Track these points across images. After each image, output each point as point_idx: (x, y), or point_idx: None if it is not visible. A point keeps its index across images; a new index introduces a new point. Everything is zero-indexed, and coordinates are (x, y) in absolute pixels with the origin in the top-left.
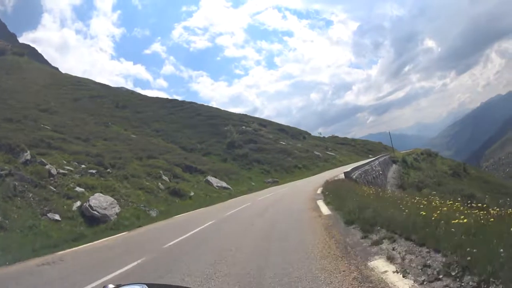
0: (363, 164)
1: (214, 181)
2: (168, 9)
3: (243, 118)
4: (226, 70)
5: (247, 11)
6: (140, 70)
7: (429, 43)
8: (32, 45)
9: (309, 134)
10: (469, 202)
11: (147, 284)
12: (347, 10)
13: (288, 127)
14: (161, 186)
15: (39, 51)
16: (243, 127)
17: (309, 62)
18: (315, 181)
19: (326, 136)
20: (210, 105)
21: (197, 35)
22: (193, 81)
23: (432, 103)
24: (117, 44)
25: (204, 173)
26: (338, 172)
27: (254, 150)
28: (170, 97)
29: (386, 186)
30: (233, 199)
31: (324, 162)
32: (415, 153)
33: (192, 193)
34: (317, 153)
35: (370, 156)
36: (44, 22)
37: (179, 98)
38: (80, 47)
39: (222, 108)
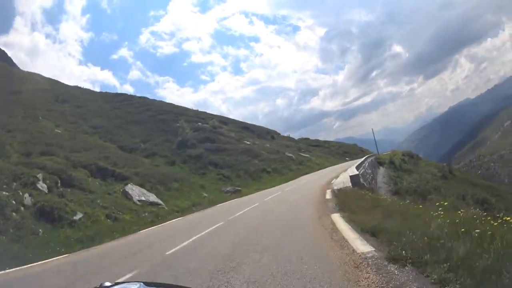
0: (357, 165)
1: (137, 192)
2: (136, 14)
3: (200, 115)
4: (192, 76)
5: (214, 16)
6: (107, 76)
7: (397, 48)
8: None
9: (278, 134)
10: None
11: (144, 283)
12: (315, 15)
13: (254, 125)
14: (27, 200)
15: (9, 55)
16: (199, 123)
17: (275, 68)
18: (302, 189)
19: (296, 138)
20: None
21: (164, 40)
22: (159, 86)
23: (399, 108)
24: (85, 49)
25: (127, 180)
26: (324, 178)
27: (211, 151)
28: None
29: (379, 191)
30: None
31: (299, 165)
32: (397, 155)
33: (78, 216)
34: (289, 154)
35: (347, 158)
36: (16, 26)
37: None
38: (50, 51)
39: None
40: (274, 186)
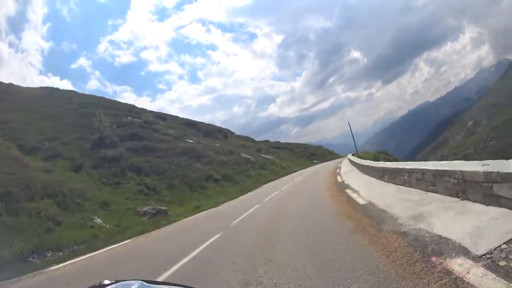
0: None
1: None
2: (95, 22)
3: (132, 109)
4: (150, 85)
5: (171, 24)
6: (66, 85)
7: (355, 54)
8: None
9: (233, 134)
10: None
11: (144, 281)
12: (272, 23)
13: (202, 123)
14: None
15: None
16: (129, 118)
17: (232, 76)
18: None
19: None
20: None
21: (122, 49)
22: (117, 96)
23: (358, 112)
24: (45, 58)
25: None
26: (308, 187)
27: (134, 151)
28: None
29: None
30: None
31: (260, 170)
32: (373, 155)
33: None
34: (246, 155)
35: (315, 161)
36: None
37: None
38: (12, 60)
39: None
40: (222, 202)
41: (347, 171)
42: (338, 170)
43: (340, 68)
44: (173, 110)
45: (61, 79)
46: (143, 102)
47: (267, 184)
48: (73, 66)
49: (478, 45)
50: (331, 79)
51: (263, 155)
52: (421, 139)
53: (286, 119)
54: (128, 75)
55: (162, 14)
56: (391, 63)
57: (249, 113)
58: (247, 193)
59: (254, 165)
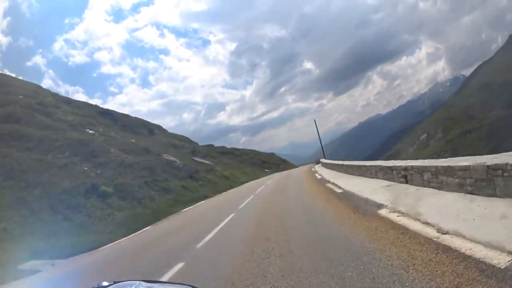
0: None
1: None
2: (52, 19)
3: (38, 90)
4: (102, 87)
5: (126, 26)
6: None
7: (308, 65)
8: None
9: (165, 131)
10: None
11: (143, 281)
12: (226, 30)
13: (122, 114)
14: None
15: None
16: (21, 96)
17: (183, 81)
18: None
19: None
20: None
21: (76, 49)
22: (69, 96)
23: (307, 123)
24: (3, 54)
25: None
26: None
27: None
28: None
29: None
30: None
31: (188, 180)
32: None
33: None
34: (170, 157)
35: (267, 170)
36: None
37: None
38: None
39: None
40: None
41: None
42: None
43: (292, 78)
44: None
45: (16, 76)
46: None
47: (192, 208)
48: (29, 63)
49: (434, 60)
50: (282, 89)
51: (198, 159)
52: (372, 151)
53: (235, 127)
54: (81, 76)
55: (118, 15)
56: (344, 75)
57: (199, 120)
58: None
59: (179, 172)
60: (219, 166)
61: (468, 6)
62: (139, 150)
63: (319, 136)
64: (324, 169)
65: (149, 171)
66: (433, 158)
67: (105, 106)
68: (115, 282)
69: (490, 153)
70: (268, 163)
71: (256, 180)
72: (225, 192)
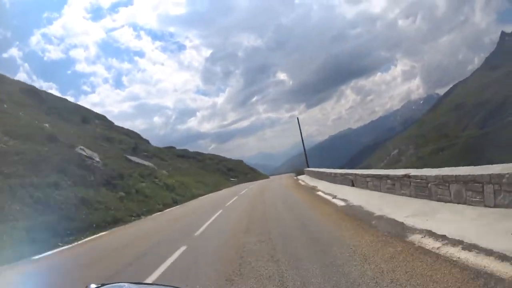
0: None
1: None
2: (32, 12)
3: None
4: (75, 85)
5: (104, 25)
6: None
7: (282, 76)
8: None
9: (110, 123)
10: None
11: (132, 283)
12: (202, 36)
13: (62, 98)
14: None
15: None
16: None
17: (156, 85)
18: None
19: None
20: None
21: (53, 44)
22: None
23: (277, 133)
24: None
25: None
26: None
27: None
28: None
29: None
30: None
31: (106, 190)
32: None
33: None
34: (85, 151)
35: (233, 179)
36: None
37: None
38: None
39: None
40: None
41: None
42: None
43: (265, 88)
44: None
45: None
46: None
47: None
48: (5, 55)
49: (409, 78)
50: (255, 98)
51: (136, 159)
52: (341, 164)
53: (205, 134)
54: (55, 72)
55: (97, 13)
56: (317, 88)
57: (169, 125)
58: None
59: (91, 174)
60: (167, 170)
61: (447, 27)
62: (39, 136)
63: (302, 139)
64: (324, 182)
65: (34, 168)
66: None
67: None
68: (103, 284)
69: None
70: (235, 171)
71: (212, 195)
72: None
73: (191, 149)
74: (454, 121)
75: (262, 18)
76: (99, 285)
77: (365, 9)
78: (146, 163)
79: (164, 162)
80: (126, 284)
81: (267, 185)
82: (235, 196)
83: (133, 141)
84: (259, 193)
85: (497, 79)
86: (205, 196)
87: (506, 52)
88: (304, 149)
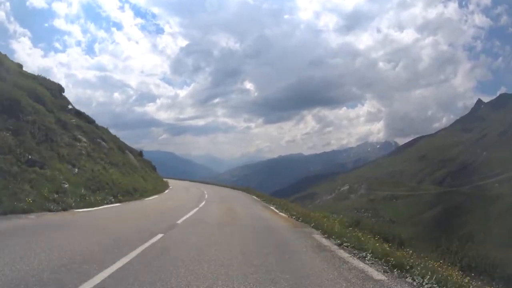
0: None
1: None
2: None
3: None
4: (48, 39)
5: None
6: None
7: (249, 85)
8: None
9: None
10: None
11: None
12: (183, 25)
13: None
14: None
15: None
16: None
17: (125, 61)
18: None
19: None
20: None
21: None
22: (15, 38)
23: (230, 140)
24: None
25: None
26: None
27: None
28: None
29: None
30: None
31: None
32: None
33: None
34: None
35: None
36: None
37: None
38: None
39: None
40: None
41: None
42: None
43: (229, 93)
44: (58, 74)
45: None
46: (34, 54)
47: None
48: None
49: (372, 120)
50: (217, 100)
51: None
52: (284, 186)
53: (160, 123)
54: (33, 21)
55: None
56: (280, 106)
57: (127, 104)
58: None
59: None
60: None
61: (425, 81)
62: None
63: None
64: None
65: None
66: (352, 213)
67: (44, 60)
68: None
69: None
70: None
71: None
72: None
73: (141, 134)
74: (410, 172)
75: (247, 25)
76: None
77: (350, 42)
78: None
79: None
80: None
81: None
82: None
83: None
84: None
85: (465, 141)
86: None
87: (478, 119)
88: None
